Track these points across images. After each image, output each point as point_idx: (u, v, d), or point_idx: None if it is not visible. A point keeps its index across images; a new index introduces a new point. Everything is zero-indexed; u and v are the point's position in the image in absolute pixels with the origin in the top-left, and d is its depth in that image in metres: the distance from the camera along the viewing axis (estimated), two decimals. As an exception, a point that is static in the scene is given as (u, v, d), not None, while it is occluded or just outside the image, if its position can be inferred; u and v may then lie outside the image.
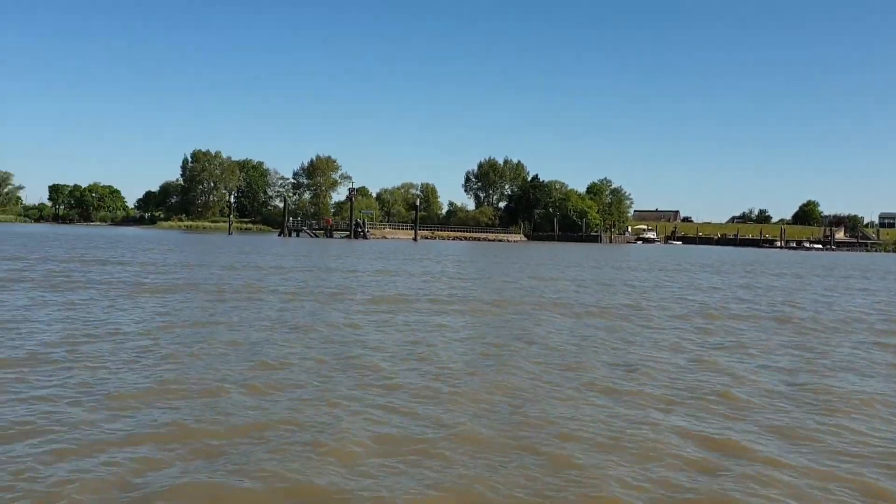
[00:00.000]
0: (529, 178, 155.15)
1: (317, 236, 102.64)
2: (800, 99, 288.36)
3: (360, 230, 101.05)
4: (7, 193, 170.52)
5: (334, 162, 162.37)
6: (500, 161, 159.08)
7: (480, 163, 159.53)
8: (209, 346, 11.86)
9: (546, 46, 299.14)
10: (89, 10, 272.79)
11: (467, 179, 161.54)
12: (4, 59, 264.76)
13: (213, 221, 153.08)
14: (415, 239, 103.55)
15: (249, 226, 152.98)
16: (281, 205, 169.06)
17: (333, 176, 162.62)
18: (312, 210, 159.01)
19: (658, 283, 31.62)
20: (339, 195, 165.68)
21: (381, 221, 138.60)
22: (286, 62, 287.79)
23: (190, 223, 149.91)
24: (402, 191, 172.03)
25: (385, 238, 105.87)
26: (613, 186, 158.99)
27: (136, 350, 11.39)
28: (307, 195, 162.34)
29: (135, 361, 10.54)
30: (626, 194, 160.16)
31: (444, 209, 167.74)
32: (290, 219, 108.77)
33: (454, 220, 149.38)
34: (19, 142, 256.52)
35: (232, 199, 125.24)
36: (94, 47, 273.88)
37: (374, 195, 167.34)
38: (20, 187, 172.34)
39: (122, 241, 60.63)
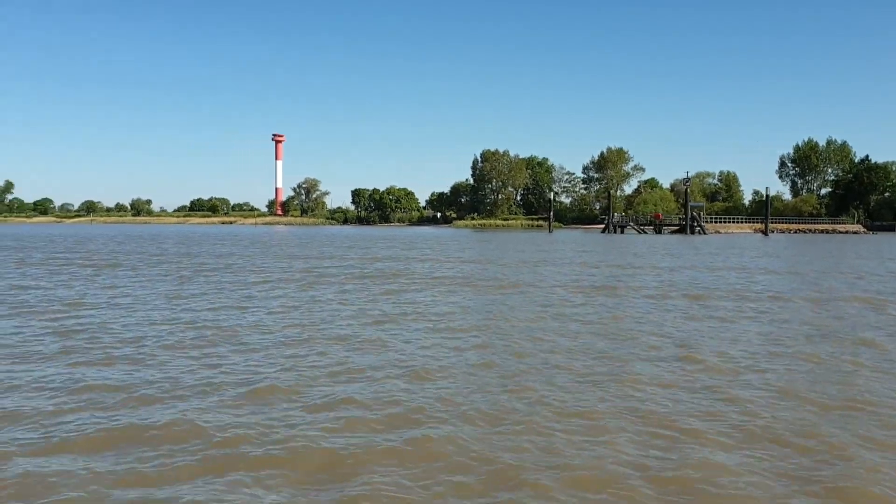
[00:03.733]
0: (857, 160, 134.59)
1: (644, 232, 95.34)
2: None
3: (695, 225, 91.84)
4: (315, 198, 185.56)
5: (625, 153, 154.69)
6: (822, 142, 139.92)
7: (797, 145, 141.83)
8: None
9: (860, 18, 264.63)
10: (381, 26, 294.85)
11: (782, 164, 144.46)
12: (310, 87, 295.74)
13: (504, 219, 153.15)
14: (765, 233, 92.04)
15: (541, 222, 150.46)
16: (567, 200, 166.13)
17: (625, 168, 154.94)
18: (604, 204, 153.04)
19: None
20: (630, 187, 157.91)
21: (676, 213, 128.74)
22: (563, 59, 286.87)
23: (483, 221, 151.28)
24: (698, 180, 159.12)
25: (719, 233, 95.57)
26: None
27: None
28: (594, 189, 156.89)
29: None
30: None
31: (747, 198, 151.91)
32: (615, 214, 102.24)
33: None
34: (324, 151, 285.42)
35: (552, 197, 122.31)
36: (384, 64, 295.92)
37: (663, 186, 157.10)
38: (326, 192, 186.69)
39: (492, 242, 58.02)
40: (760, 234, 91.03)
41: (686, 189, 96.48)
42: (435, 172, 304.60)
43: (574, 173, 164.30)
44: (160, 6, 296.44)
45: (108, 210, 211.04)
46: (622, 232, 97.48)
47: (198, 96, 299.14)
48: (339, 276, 23.27)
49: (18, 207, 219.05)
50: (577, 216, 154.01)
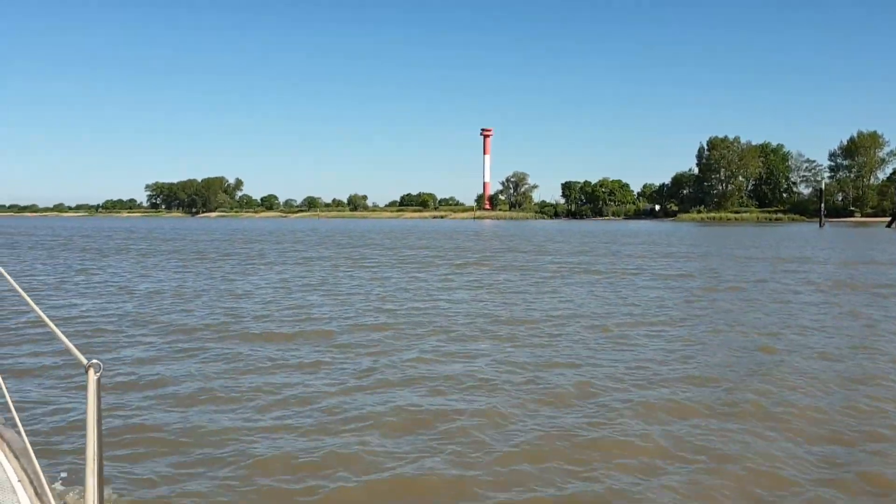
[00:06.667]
0: None
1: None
2: None
3: None
4: (523, 192, 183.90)
5: (879, 137, 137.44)
6: None
7: None
8: None
9: None
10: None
11: None
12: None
13: (734, 212, 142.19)
14: None
15: (780, 216, 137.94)
16: (807, 191, 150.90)
17: (879, 154, 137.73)
18: (854, 194, 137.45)
19: None
20: (883, 175, 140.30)
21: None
22: (802, 37, 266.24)
23: (712, 215, 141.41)
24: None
25: None
26: None
27: None
28: (840, 177, 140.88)
29: None
30: None
31: None
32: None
33: None
34: (533, 145, 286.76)
35: (823, 186, 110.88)
36: (594, 54, 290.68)
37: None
38: (534, 186, 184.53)
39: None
40: None
41: None
42: (650, 163, 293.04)
43: (814, 161, 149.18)
44: (374, 10, 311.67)
45: (327, 205, 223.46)
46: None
47: (408, 93, 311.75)
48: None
49: (247, 203, 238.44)
50: (819, 208, 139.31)
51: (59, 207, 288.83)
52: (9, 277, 3.06)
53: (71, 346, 2.10)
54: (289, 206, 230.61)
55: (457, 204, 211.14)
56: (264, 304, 16.65)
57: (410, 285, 21.06)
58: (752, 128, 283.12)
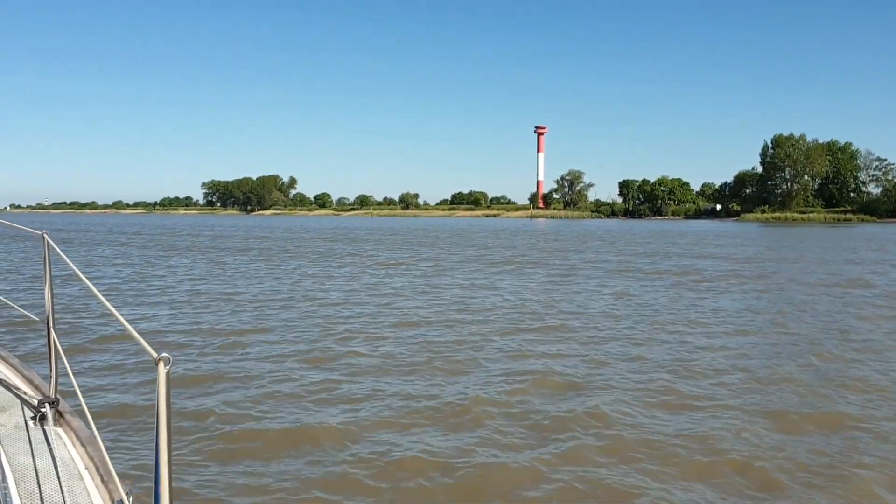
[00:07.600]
0: None
1: None
2: None
3: None
4: (579, 191, 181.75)
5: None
6: None
7: None
8: None
9: None
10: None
11: None
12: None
13: (800, 212, 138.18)
14: None
15: (849, 216, 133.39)
16: (876, 190, 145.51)
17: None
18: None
19: None
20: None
21: None
22: (867, 29, 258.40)
23: (777, 215, 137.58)
24: None
25: None
26: None
27: None
28: None
29: None
30: None
31: None
32: None
33: None
34: (588, 143, 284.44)
35: None
36: (650, 50, 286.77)
37: None
38: (590, 184, 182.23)
39: None
40: None
41: None
42: (708, 162, 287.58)
43: (885, 159, 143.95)
44: (426, 10, 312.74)
45: (379, 204, 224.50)
46: None
47: (460, 91, 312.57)
48: None
49: (301, 201, 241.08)
50: (892, 209, 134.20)
51: (117, 204, 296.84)
52: (82, 276, 2.94)
53: (141, 339, 2.15)
54: (341, 205, 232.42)
55: (508, 203, 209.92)
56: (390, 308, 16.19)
57: (532, 292, 20.40)
58: (815, 126, 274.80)
